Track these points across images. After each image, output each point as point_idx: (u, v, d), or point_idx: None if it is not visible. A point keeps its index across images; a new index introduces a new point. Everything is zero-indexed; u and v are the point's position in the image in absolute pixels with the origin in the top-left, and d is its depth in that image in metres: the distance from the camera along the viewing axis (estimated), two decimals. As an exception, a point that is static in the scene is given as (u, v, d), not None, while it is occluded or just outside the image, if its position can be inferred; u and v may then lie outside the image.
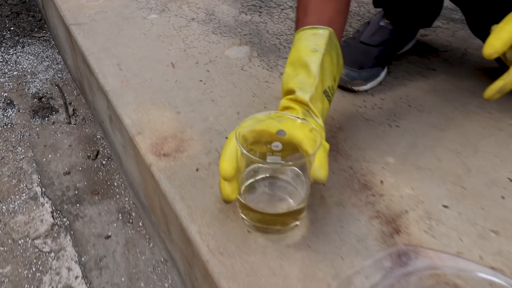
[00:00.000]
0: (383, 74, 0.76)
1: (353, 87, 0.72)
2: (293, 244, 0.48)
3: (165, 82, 0.75)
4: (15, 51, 1.35)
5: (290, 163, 0.46)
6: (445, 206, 0.53)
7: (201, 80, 0.76)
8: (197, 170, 0.57)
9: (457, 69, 0.80)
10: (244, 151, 0.42)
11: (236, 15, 1.01)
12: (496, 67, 0.77)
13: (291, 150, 0.46)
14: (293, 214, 0.47)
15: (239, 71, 0.79)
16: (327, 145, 0.47)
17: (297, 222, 0.48)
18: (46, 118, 1.08)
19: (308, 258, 0.46)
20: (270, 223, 0.47)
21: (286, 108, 0.49)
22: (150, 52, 0.84)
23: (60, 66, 1.29)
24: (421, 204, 0.53)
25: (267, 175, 0.49)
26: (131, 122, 0.65)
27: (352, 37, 0.78)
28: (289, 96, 0.50)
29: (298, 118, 0.46)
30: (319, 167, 0.44)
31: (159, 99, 0.70)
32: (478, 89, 0.74)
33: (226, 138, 0.62)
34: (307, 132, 0.44)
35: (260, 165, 0.47)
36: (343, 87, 0.73)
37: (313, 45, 0.50)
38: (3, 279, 0.71)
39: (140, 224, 0.81)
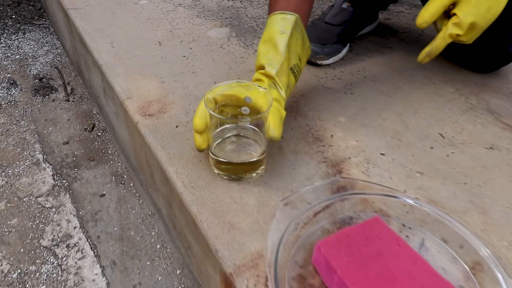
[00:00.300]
0: (344, 50, 0.86)
1: (317, 61, 0.82)
2: (252, 181, 0.58)
3: (152, 57, 0.85)
4: (17, 37, 1.45)
5: (248, 118, 0.56)
6: (382, 154, 0.63)
7: (184, 56, 0.86)
8: (176, 126, 0.67)
9: (412, 47, 0.91)
10: (210, 111, 0.52)
11: (220, 1, 1.11)
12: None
13: (257, 114, 0.56)
14: (255, 164, 0.57)
15: (218, 48, 0.89)
16: (283, 112, 0.57)
17: (259, 171, 0.58)
18: (47, 96, 1.18)
19: (264, 191, 0.56)
20: (236, 172, 0.57)
21: (257, 80, 0.58)
22: (140, 32, 0.94)
23: (59, 50, 1.39)
24: (362, 153, 0.63)
25: (234, 134, 0.59)
26: (121, 89, 0.75)
27: (318, 18, 0.88)
28: (260, 71, 0.59)
29: (261, 87, 0.56)
30: (274, 127, 0.54)
31: (146, 71, 0.81)
32: (427, 64, 0.84)
33: (203, 101, 0.72)
34: (267, 99, 0.54)
35: (228, 125, 0.58)
36: (309, 61, 0.83)
37: (282, 28, 0.60)
38: (10, 229, 0.82)
39: (131, 184, 0.91)
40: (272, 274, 0.43)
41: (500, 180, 0.59)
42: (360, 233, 0.46)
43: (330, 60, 0.84)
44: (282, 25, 0.60)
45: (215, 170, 0.58)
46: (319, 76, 0.81)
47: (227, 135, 0.59)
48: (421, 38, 0.94)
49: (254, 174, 0.58)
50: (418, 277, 0.41)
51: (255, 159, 0.56)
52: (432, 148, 0.64)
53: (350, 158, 0.62)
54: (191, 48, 0.89)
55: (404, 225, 0.52)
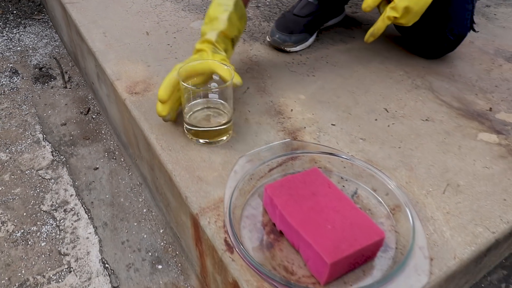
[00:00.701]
0: (311, 39, 0.97)
1: (285, 48, 0.93)
2: (220, 145, 0.69)
3: (140, 45, 0.96)
4: (18, 31, 1.56)
5: (216, 85, 0.67)
6: (333, 125, 0.74)
7: (168, 44, 0.97)
8: (158, 102, 0.78)
9: (372, 37, 1.02)
10: (185, 84, 0.62)
11: (204, -4, 1.22)
12: (399, 35, 0.99)
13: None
14: (222, 130, 0.68)
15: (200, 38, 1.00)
16: (232, 66, 0.67)
17: (225, 137, 0.69)
18: (46, 84, 1.28)
19: (229, 153, 0.67)
20: (207, 137, 0.68)
21: (199, 50, 0.69)
22: (130, 24, 1.05)
23: (57, 43, 1.50)
24: (316, 123, 0.74)
25: (204, 107, 0.70)
26: (112, 72, 0.86)
27: (288, 11, 0.99)
28: (201, 39, 0.70)
29: (225, 65, 0.65)
30: (236, 78, 0.66)
31: (134, 57, 0.91)
32: (383, 51, 0.95)
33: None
34: (230, 73, 0.64)
35: (199, 100, 0.68)
36: (278, 48, 0.94)
37: (224, 5, 0.71)
38: (14, 197, 0.92)
39: (122, 159, 1.02)
40: (227, 212, 0.54)
41: (429, 145, 0.70)
42: (300, 179, 0.57)
43: (298, 48, 0.94)
44: (224, 3, 0.71)
45: (189, 136, 0.69)
46: (287, 61, 0.92)
47: (198, 108, 0.69)
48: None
49: (221, 139, 0.69)
50: (340, 210, 0.52)
51: (222, 126, 0.67)
52: (376, 120, 0.75)
53: (305, 127, 0.73)
54: (175, 38, 1.00)
55: (342, 177, 0.63)
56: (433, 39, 0.87)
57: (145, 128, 0.72)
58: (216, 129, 0.67)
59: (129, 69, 0.87)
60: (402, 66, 0.91)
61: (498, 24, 1.12)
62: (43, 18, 1.65)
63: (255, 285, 0.49)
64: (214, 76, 0.67)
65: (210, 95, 0.68)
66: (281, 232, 0.54)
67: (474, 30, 0.86)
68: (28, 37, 1.52)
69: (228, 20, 0.70)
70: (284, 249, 0.53)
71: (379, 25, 0.70)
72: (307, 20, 0.95)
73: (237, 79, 0.67)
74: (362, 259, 0.50)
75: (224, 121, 0.67)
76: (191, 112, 0.68)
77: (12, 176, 0.97)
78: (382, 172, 0.62)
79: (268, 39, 0.95)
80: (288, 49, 0.93)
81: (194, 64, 0.66)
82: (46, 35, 1.54)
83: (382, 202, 0.59)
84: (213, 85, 0.68)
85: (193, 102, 0.68)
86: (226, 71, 0.64)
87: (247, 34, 1.02)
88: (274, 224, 0.55)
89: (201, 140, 0.68)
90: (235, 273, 0.50)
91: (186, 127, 0.68)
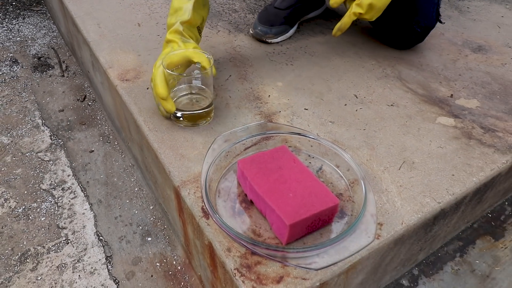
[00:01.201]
0: (291, 31, 1.04)
1: (267, 40, 1.00)
2: (202, 127, 0.76)
3: (132, 36, 1.03)
4: (17, 22, 1.62)
5: (199, 72, 0.73)
6: (305, 109, 0.81)
7: (158, 35, 1.04)
8: (147, 88, 0.85)
9: (350, 28, 1.08)
10: (170, 71, 0.68)
11: (194, -11, 1.29)
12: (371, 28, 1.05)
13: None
14: (204, 114, 0.75)
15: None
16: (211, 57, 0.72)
17: (207, 120, 0.76)
18: (44, 73, 1.35)
19: (209, 133, 0.75)
20: (190, 120, 0.75)
21: (169, 41, 0.73)
22: (123, 15, 1.11)
23: (55, 34, 1.56)
24: (290, 108, 0.81)
25: (187, 93, 0.77)
26: (105, 61, 0.93)
27: (270, 4, 1.06)
28: (170, 30, 0.73)
29: (206, 53, 0.71)
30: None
31: (126, 47, 0.98)
32: (358, 42, 1.02)
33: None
34: (208, 60, 0.70)
35: (181, 86, 0.75)
36: (260, 39, 1.01)
37: None
38: (16, 176, 1.00)
39: (115, 143, 1.09)
40: (204, 183, 0.61)
41: (392, 127, 0.77)
42: (269, 155, 0.64)
43: (278, 39, 1.01)
44: None
45: (174, 122, 0.77)
46: (267, 51, 0.99)
47: (182, 94, 0.77)
48: (359, 21, 1.12)
49: (203, 122, 0.76)
50: (302, 181, 0.60)
51: (204, 110, 0.75)
52: (345, 105, 0.83)
53: (280, 111, 0.80)
54: (165, 29, 1.06)
55: (309, 155, 0.71)
56: (401, 32, 0.94)
57: (135, 111, 0.79)
58: (199, 113, 0.74)
59: (121, 58, 0.94)
60: (375, 56, 0.98)
61: (469, 17, 1.19)
62: (41, 10, 1.71)
63: (226, 245, 0.56)
64: (197, 65, 0.74)
65: (194, 82, 0.75)
66: (251, 202, 0.62)
67: (440, 22, 0.93)
68: (27, 28, 1.58)
69: (192, 10, 0.75)
70: (254, 216, 0.60)
71: (346, 21, 0.77)
72: (287, 13, 1.01)
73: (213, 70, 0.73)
74: (319, 223, 0.57)
75: (205, 105, 0.74)
76: (176, 98, 0.76)
77: (14, 158, 1.05)
78: (345, 151, 0.69)
79: (251, 32, 1.02)
80: (269, 40, 1.00)
81: (176, 53, 0.71)
82: (44, 26, 1.60)
83: (343, 176, 0.67)
84: (196, 72, 0.75)
85: (177, 88, 0.75)
86: (206, 59, 0.71)
87: (232, 26, 1.09)
88: (245, 195, 0.63)
89: (185, 123, 0.76)
90: (209, 235, 0.58)
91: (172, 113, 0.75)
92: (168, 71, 0.69)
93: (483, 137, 0.76)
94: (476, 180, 0.68)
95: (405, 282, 0.75)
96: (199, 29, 0.80)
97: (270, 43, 1.01)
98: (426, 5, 0.89)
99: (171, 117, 0.77)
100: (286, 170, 0.61)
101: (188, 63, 0.73)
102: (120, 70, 0.90)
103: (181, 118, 0.75)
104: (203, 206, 0.62)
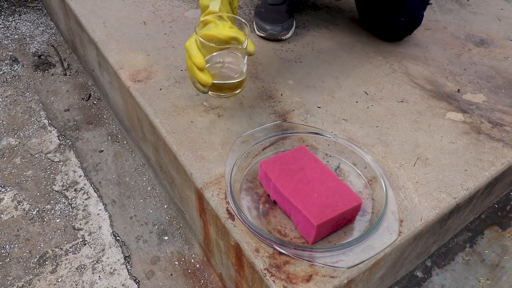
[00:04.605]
0: (294, 22, 1.05)
1: (281, 37, 1.01)
2: (218, 128, 0.77)
3: (138, 35, 1.03)
4: (13, 19, 1.60)
5: (237, 47, 0.70)
6: (318, 107, 0.83)
7: (165, 33, 1.04)
8: (160, 89, 0.86)
9: (354, 24, 1.10)
10: (205, 41, 0.66)
11: (196, -15, 1.28)
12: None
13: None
14: (239, 83, 0.75)
15: (194, 26, 1.07)
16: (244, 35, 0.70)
17: (240, 89, 0.77)
18: (46, 71, 1.34)
19: (227, 134, 0.76)
20: (220, 90, 0.75)
21: (206, 22, 0.70)
22: (127, 14, 1.11)
23: (53, 30, 1.54)
24: (303, 106, 0.83)
25: (220, 60, 0.74)
26: (115, 61, 0.93)
27: (262, 2, 1.05)
28: (205, 12, 0.71)
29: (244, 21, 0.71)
30: (250, 45, 0.71)
31: (134, 46, 0.98)
32: (363, 37, 1.04)
33: (181, 70, 0.91)
34: (243, 35, 0.69)
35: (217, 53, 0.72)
36: (274, 39, 1.01)
37: None
38: (27, 178, 1.00)
39: (125, 142, 1.10)
40: (228, 185, 0.63)
41: (403, 124, 0.79)
42: (290, 156, 0.66)
43: (290, 33, 1.02)
44: None
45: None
46: (276, 49, 0.99)
47: (216, 61, 0.73)
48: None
49: (234, 92, 0.77)
50: (325, 181, 0.61)
51: (236, 80, 0.74)
52: (357, 102, 0.84)
53: (293, 110, 0.82)
54: (171, 27, 1.06)
55: (327, 154, 0.72)
56: (387, 23, 0.96)
57: (150, 113, 0.80)
58: (231, 83, 0.74)
59: (131, 58, 0.94)
60: (381, 52, 0.99)
61: (470, 10, 1.21)
62: (37, 6, 1.69)
63: (254, 246, 0.58)
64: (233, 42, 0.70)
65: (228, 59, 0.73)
66: (274, 202, 0.63)
67: (427, 3, 0.94)
68: (24, 25, 1.56)
69: None
70: (278, 216, 0.62)
71: None
72: (286, 6, 1.02)
73: (251, 47, 0.70)
74: (343, 221, 0.59)
75: (238, 77, 0.74)
76: (209, 64, 0.72)
77: (23, 160, 1.05)
78: (361, 148, 0.71)
79: (260, 34, 1.02)
80: (284, 37, 1.01)
81: (211, 31, 0.68)
82: (41, 23, 1.58)
83: (361, 174, 0.69)
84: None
85: (212, 55, 0.72)
86: (242, 34, 0.69)
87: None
88: (268, 195, 0.65)
89: (218, 94, 0.76)
90: (236, 236, 0.59)
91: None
92: (204, 41, 0.67)
93: (492, 131, 0.78)
94: (488, 175, 0.70)
95: (419, 273, 0.78)
96: (232, 6, 0.76)
97: (284, 39, 1.02)
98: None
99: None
100: (308, 171, 0.63)
101: (224, 42, 0.70)
102: (131, 70, 0.90)
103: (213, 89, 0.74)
104: (228, 207, 0.63)
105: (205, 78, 0.66)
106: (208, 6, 0.72)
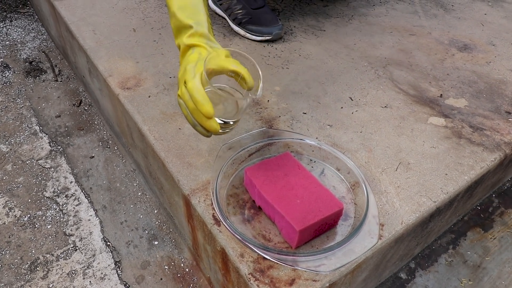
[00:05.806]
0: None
1: (284, 34, 1.04)
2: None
3: (128, 42, 1.04)
4: (4, 25, 1.61)
5: (246, 92, 0.60)
6: (304, 113, 0.85)
7: (154, 40, 1.05)
8: (149, 96, 0.87)
9: (341, 30, 1.12)
10: (221, 93, 0.56)
11: (185, -9, 1.30)
12: (363, 26, 1.09)
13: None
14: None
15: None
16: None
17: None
18: (37, 77, 1.35)
19: (214, 141, 0.77)
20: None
21: (190, 45, 0.61)
22: (117, 21, 1.12)
23: (44, 36, 1.55)
24: (290, 112, 0.85)
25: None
26: (104, 69, 0.95)
27: (241, 12, 1.06)
28: (189, 33, 0.61)
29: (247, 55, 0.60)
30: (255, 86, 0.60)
31: (123, 54, 1.00)
32: (350, 43, 1.06)
33: (170, 77, 0.92)
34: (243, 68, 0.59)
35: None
36: (272, 40, 1.03)
37: None
38: (18, 185, 1.01)
39: (115, 148, 1.11)
40: (214, 192, 0.64)
41: (387, 129, 0.81)
42: (275, 162, 0.67)
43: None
44: None
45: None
46: (263, 55, 1.01)
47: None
48: (350, 22, 1.15)
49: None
50: (308, 187, 0.63)
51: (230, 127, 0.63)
52: (342, 108, 0.86)
53: (280, 116, 0.83)
54: (160, 34, 1.08)
55: (311, 160, 0.74)
56: None
57: (139, 120, 0.81)
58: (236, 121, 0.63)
59: (120, 65, 0.96)
60: (366, 58, 1.01)
61: (454, 15, 1.23)
62: (28, 11, 1.70)
63: (239, 251, 0.60)
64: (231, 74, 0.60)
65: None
66: (259, 208, 0.65)
67: None
68: (15, 31, 1.57)
69: (204, 8, 0.64)
70: (263, 221, 0.64)
71: None
72: (267, 6, 1.04)
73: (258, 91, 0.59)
74: (326, 226, 0.61)
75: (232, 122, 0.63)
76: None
77: (14, 166, 1.06)
78: (344, 154, 0.73)
79: (256, 38, 1.03)
80: (284, 34, 1.04)
81: (210, 63, 0.58)
82: (32, 29, 1.59)
83: (344, 179, 0.71)
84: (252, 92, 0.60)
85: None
86: (244, 69, 0.58)
87: (227, 30, 1.11)
88: (253, 201, 0.66)
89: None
90: (222, 242, 0.61)
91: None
92: (215, 89, 0.56)
93: (472, 136, 0.80)
94: (467, 179, 0.72)
95: (403, 275, 0.80)
96: (211, 27, 0.66)
97: (272, 41, 1.04)
98: None
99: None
100: (292, 177, 0.65)
101: (221, 73, 0.60)
102: (120, 78, 0.91)
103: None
104: (214, 213, 0.65)
105: (214, 125, 0.56)
106: (190, 26, 0.62)
